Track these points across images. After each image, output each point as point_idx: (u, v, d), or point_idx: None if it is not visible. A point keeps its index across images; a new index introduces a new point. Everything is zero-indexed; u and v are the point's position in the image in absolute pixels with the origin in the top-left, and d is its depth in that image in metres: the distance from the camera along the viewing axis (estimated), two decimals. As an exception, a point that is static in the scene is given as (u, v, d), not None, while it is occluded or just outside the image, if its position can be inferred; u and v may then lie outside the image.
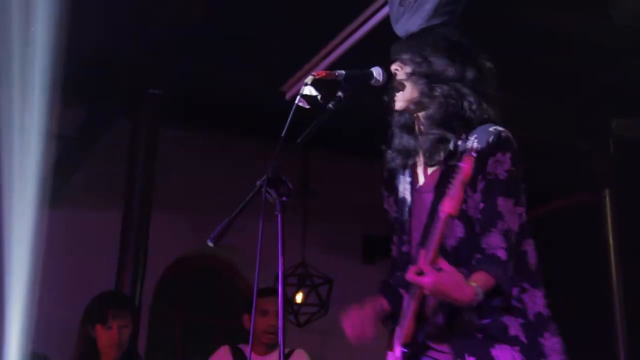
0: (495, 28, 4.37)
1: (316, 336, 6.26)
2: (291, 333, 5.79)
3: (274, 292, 4.04)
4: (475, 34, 2.42)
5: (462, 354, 2.14)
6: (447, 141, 2.25)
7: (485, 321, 2.13)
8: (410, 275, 2.05)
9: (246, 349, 4.19)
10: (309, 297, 6.35)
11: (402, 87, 2.33)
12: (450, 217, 2.00)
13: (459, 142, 2.26)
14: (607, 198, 5.86)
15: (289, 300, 6.22)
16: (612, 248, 5.72)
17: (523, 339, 2.12)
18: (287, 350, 4.23)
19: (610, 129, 5.81)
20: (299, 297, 6.35)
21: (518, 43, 4.73)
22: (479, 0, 3.31)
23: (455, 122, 2.26)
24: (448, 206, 1.97)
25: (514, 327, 2.13)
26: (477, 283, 2.07)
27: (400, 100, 2.34)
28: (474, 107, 2.28)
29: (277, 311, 3.98)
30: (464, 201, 2.11)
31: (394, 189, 2.44)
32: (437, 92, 2.26)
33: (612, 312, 5.59)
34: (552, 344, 2.17)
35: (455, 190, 1.94)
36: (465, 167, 1.95)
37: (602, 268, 5.71)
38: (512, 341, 2.12)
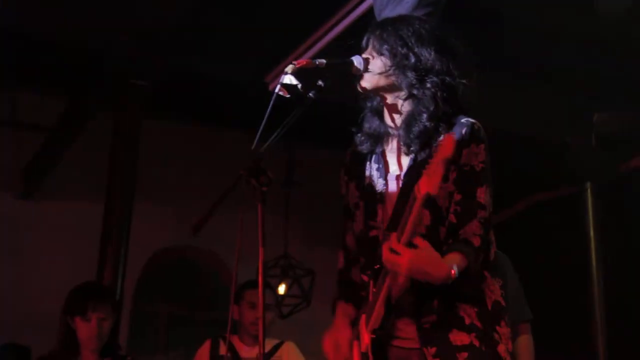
0: (478, 20, 4.38)
1: (299, 327, 6.27)
2: (274, 324, 5.80)
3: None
4: (458, 26, 2.43)
5: (425, 342, 2.17)
6: (438, 133, 2.25)
7: (442, 309, 2.16)
8: (386, 254, 2.06)
9: (232, 338, 4.18)
10: (291, 289, 6.37)
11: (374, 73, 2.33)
12: (429, 195, 1.98)
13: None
14: (589, 191, 5.90)
15: (271, 292, 6.22)
16: (592, 240, 5.77)
17: (479, 325, 2.16)
18: (277, 342, 4.23)
19: (592, 123, 5.84)
20: (281, 289, 6.36)
21: (501, 36, 4.75)
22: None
23: (442, 113, 2.27)
24: (426, 185, 1.95)
25: (470, 316, 2.16)
26: (454, 261, 2.09)
27: (368, 82, 2.34)
28: (456, 100, 2.30)
29: (265, 304, 3.98)
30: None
31: (354, 175, 2.44)
32: (428, 84, 2.27)
33: (592, 304, 5.64)
34: (507, 332, 2.21)
35: (434, 169, 1.92)
36: (447, 145, 1.94)
37: (583, 260, 5.76)
38: (466, 328, 2.15)
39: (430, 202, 2.06)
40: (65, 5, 4.52)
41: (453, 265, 2.08)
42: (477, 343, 2.14)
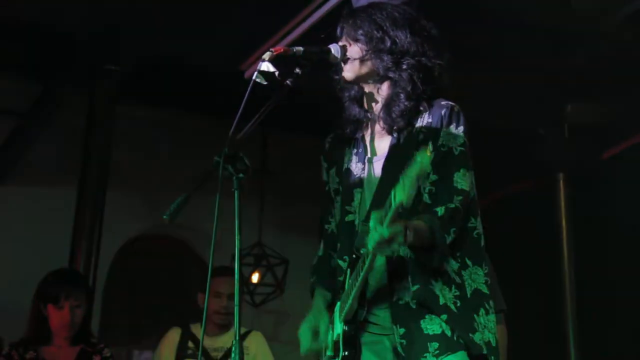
0: (452, 12, 4.39)
1: (271, 316, 6.28)
2: (246, 313, 5.81)
3: (229, 271, 3.95)
4: (433, 16, 2.43)
5: (395, 322, 2.16)
6: (418, 112, 2.26)
7: (415, 287, 2.15)
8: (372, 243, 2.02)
9: (197, 329, 4.16)
10: (264, 278, 6.36)
11: (353, 61, 2.32)
12: (403, 204, 1.97)
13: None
14: (561, 182, 5.96)
15: (244, 280, 6.22)
16: (564, 230, 5.83)
17: (452, 308, 2.15)
18: (242, 331, 4.20)
19: (565, 114, 5.90)
20: (254, 277, 6.35)
21: (475, 27, 4.76)
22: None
23: (421, 92, 2.28)
24: (401, 195, 1.92)
25: (444, 296, 2.15)
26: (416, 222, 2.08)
27: (350, 71, 2.34)
28: (433, 80, 2.31)
29: (230, 293, 3.95)
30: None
31: (335, 160, 2.45)
32: (404, 66, 2.28)
33: (564, 293, 5.71)
34: (486, 321, 2.20)
35: (409, 182, 1.90)
36: (422, 162, 1.89)
37: (554, 250, 5.82)
38: (441, 309, 2.14)
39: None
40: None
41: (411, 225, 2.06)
42: (449, 332, 2.12)
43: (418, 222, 2.10)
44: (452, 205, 2.15)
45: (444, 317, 2.13)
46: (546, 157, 5.99)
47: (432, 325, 2.14)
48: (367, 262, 2.13)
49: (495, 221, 3.61)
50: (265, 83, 2.18)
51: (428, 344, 2.12)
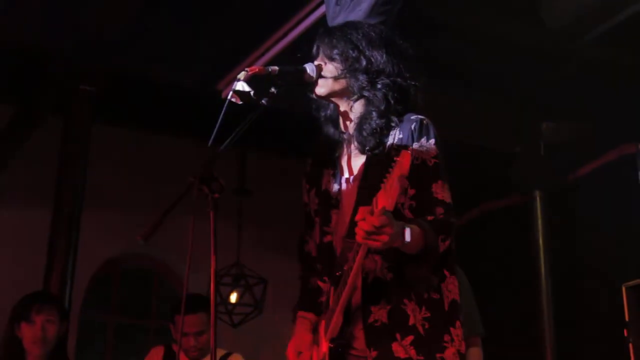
0: (428, 30, 4.43)
1: (250, 336, 6.23)
2: (225, 333, 5.76)
3: (196, 307, 3.83)
4: (408, 35, 2.45)
5: (369, 345, 2.15)
6: (389, 129, 2.27)
7: (388, 307, 2.15)
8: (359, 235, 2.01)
9: (177, 348, 4.11)
10: (243, 297, 6.33)
11: (328, 79, 2.33)
12: (385, 210, 1.97)
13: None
14: (538, 199, 5.99)
15: (223, 300, 6.17)
16: (541, 248, 5.85)
17: (420, 330, 2.13)
18: (223, 353, 4.17)
19: (540, 132, 5.95)
20: (233, 297, 6.32)
21: (451, 45, 4.80)
22: (412, 0, 3.35)
23: (393, 110, 2.29)
24: (383, 200, 1.94)
25: (414, 317, 2.14)
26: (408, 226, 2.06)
27: (323, 87, 2.34)
28: (408, 100, 2.32)
29: (198, 331, 3.90)
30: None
31: (315, 182, 2.45)
32: (379, 85, 2.29)
33: (541, 310, 5.72)
34: (461, 332, 2.19)
35: (391, 184, 1.92)
36: (403, 161, 1.93)
37: (532, 267, 5.84)
38: (409, 330, 2.13)
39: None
40: (11, 10, 4.44)
41: (406, 227, 2.04)
42: (418, 356, 2.10)
43: (412, 225, 2.09)
44: (443, 217, 2.15)
45: (411, 339, 2.12)
46: (522, 175, 6.03)
47: (401, 347, 2.12)
48: (348, 284, 2.11)
49: (473, 239, 3.62)
50: (241, 102, 2.18)
51: None
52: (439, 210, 2.17)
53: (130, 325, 6.90)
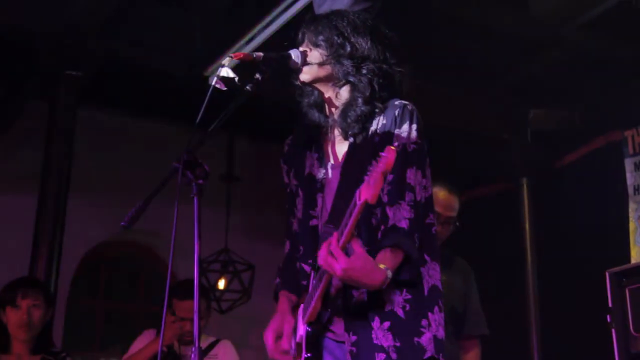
0: (415, 17, 4.42)
1: (239, 322, 6.24)
2: (213, 320, 5.76)
3: (190, 293, 3.84)
4: (395, 23, 2.44)
5: (347, 330, 2.17)
6: (373, 115, 2.27)
7: (367, 292, 2.15)
8: (322, 259, 2.05)
9: None
10: (231, 284, 6.33)
11: (312, 65, 2.33)
12: (367, 203, 1.99)
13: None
14: (524, 186, 6.02)
15: (211, 287, 6.17)
16: (528, 235, 5.88)
17: (400, 313, 2.14)
18: (212, 340, 4.18)
19: (528, 120, 5.96)
20: (221, 284, 6.32)
21: (439, 33, 4.80)
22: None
23: (378, 97, 2.29)
24: (366, 193, 1.95)
25: (393, 300, 2.14)
26: (385, 264, 2.09)
27: (307, 74, 2.35)
28: (393, 86, 2.33)
29: (192, 318, 3.89)
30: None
31: (294, 163, 2.46)
32: (364, 70, 2.29)
33: (527, 297, 5.76)
34: (440, 317, 2.20)
35: (374, 179, 1.93)
36: (388, 157, 1.93)
37: (518, 253, 5.87)
38: (387, 316, 2.14)
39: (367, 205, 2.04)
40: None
41: (386, 270, 2.08)
42: (395, 341, 2.11)
43: (385, 255, 2.11)
44: (413, 216, 2.16)
45: (388, 324, 2.13)
46: (510, 162, 6.05)
47: (379, 333, 2.13)
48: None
49: (460, 225, 3.63)
50: (225, 89, 2.17)
51: (375, 354, 2.11)
52: (409, 196, 2.17)
53: (117, 310, 6.89)
